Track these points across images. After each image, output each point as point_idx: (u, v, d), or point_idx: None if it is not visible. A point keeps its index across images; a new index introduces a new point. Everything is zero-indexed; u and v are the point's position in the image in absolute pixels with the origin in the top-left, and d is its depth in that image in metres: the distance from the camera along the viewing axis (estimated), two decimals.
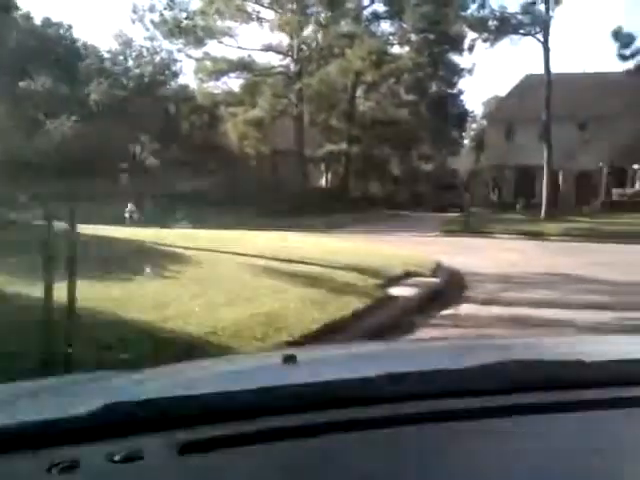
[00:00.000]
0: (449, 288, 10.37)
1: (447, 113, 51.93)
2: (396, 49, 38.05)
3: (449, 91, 54.96)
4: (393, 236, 23.84)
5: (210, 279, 8.09)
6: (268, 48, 36.70)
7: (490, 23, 28.39)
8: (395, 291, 8.90)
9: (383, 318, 7.13)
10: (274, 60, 38.85)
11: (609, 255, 17.49)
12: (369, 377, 1.14)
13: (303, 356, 1.43)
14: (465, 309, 8.62)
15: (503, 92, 44.52)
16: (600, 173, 37.29)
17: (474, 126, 64.70)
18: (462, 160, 56.40)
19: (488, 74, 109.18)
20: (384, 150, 37.04)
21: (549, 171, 31.45)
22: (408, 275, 10.43)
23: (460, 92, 56.46)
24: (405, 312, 7.79)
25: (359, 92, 40.19)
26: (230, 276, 8.36)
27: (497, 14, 28.48)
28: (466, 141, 70.53)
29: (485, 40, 28.93)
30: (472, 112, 54.82)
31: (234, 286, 7.60)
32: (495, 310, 8.43)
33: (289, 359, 1.36)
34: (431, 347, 1.98)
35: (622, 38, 27.76)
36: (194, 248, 11.00)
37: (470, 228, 26.51)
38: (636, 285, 11.00)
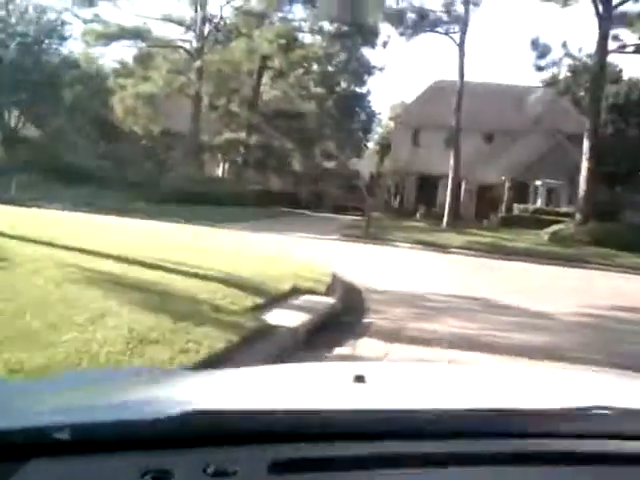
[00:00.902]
0: (346, 312, 8.19)
1: (354, 112, 50.52)
2: (308, 38, 35.85)
3: (358, 90, 53.80)
4: (289, 237, 21.72)
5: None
6: (168, 18, 33.50)
7: (408, 16, 26.85)
8: (276, 317, 6.59)
9: (248, 365, 4.80)
10: (175, 33, 35.77)
11: (518, 275, 16.04)
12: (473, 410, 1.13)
13: (370, 375, 1.36)
14: (365, 347, 6.44)
15: (412, 97, 43.35)
16: (502, 187, 36.77)
17: (379, 130, 63.89)
18: (366, 163, 55.17)
19: (398, 78, 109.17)
20: (286, 143, 34.76)
21: (454, 180, 30.33)
22: (297, 292, 8.17)
23: (369, 92, 55.45)
24: (284, 352, 5.49)
25: (265, 79, 37.76)
26: (37, 287, 5.76)
27: (416, 7, 26.97)
28: (371, 144, 69.90)
29: (402, 34, 27.32)
30: (379, 114, 53.51)
31: (30, 304, 5.02)
32: (404, 351, 6.29)
33: (359, 379, 1.32)
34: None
35: (539, 48, 26.97)
36: (16, 236, 8.24)
37: (371, 234, 24.74)
38: (569, 316, 9.35)
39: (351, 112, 46.63)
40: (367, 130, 56.36)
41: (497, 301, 10.62)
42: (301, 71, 35.24)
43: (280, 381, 1.53)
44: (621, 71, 42.31)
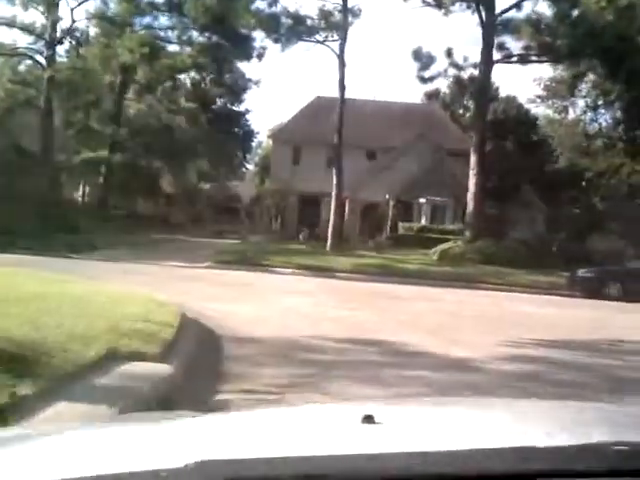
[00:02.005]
0: (189, 384, 5.42)
1: (231, 130, 47.85)
2: (176, 49, 32.78)
3: (235, 108, 51.24)
4: (153, 266, 18.79)
5: None
6: (12, 23, 29.40)
7: (283, 22, 24.63)
8: (56, 412, 3.73)
9: None
10: (23, 40, 31.63)
11: (417, 304, 13.88)
12: (498, 449, 1.09)
13: (380, 415, 1.31)
14: None
15: (292, 114, 41.28)
16: (387, 205, 35.26)
17: (259, 151, 61.53)
18: (247, 185, 52.55)
19: (277, 98, 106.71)
20: (155, 162, 31.42)
21: (338, 199, 28.23)
22: (113, 357, 5.32)
23: (247, 111, 53.04)
24: None
25: (131, 93, 34.31)
26: None
27: (290, 12, 24.81)
28: (252, 166, 67.37)
29: (276, 41, 25.00)
30: (258, 133, 51.18)
31: None
32: None
33: (368, 419, 1.28)
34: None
35: (422, 58, 25.56)
36: None
37: (248, 259, 22.03)
38: (498, 362, 7.09)
39: (227, 129, 43.91)
40: (246, 150, 53.92)
41: (403, 344, 8.25)
42: (169, 84, 32.11)
43: (287, 425, 1.45)
44: (498, 89, 42.44)
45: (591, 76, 34.19)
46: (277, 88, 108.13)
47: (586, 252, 26.20)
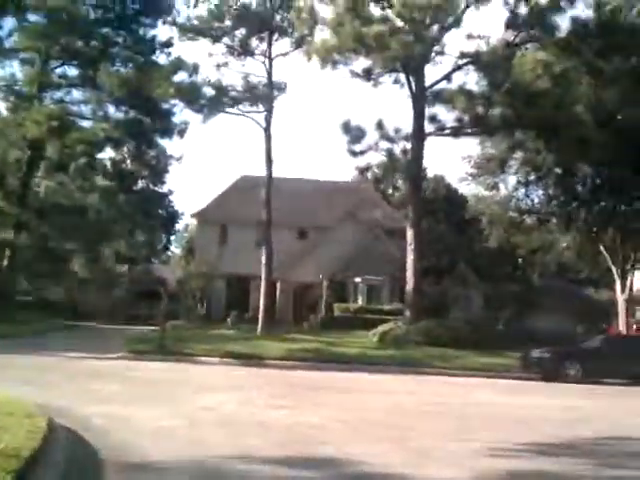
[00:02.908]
0: None
1: (154, 211, 45.50)
2: (90, 124, 30.64)
3: (157, 189, 49.06)
4: (54, 359, 16.05)
5: None
6: None
7: (204, 91, 23.05)
8: None
9: None
10: None
11: (360, 395, 11.67)
12: None
13: None
14: None
15: (217, 193, 39.37)
16: (320, 286, 33.32)
17: (186, 235, 59.13)
18: (174, 268, 49.75)
19: (203, 178, 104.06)
20: (65, 244, 28.61)
21: (268, 280, 26.04)
22: None
23: (170, 192, 51.05)
24: None
25: (41, 172, 31.71)
26: None
27: (212, 82, 23.24)
28: (178, 250, 64.61)
29: (197, 111, 23.27)
30: (182, 214, 48.97)
31: None
32: None
33: None
34: None
35: (351, 131, 24.33)
36: None
37: (166, 349, 19.38)
38: None
39: (150, 212, 41.55)
40: (170, 232, 51.48)
41: (360, 463, 6.03)
42: (83, 161, 29.77)
43: None
44: (426, 169, 42.06)
45: (520, 153, 34.09)
46: (202, 167, 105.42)
47: (531, 331, 24.80)
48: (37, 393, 9.61)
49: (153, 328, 27.69)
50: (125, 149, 32.45)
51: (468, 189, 41.59)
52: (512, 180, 37.76)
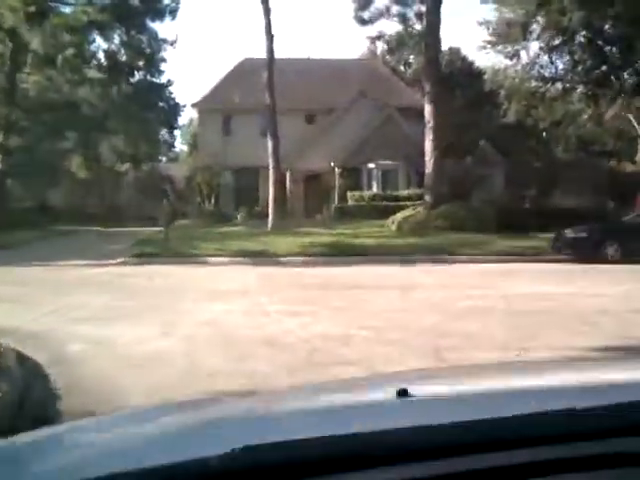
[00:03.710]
0: None
1: (154, 104, 43.08)
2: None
3: (156, 80, 46.30)
4: (47, 268, 14.80)
5: None
6: None
7: None
8: None
9: None
10: None
11: (386, 293, 10.24)
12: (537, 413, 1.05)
13: (413, 387, 1.27)
14: None
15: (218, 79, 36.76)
16: (332, 174, 31.53)
17: (191, 128, 56.74)
18: (182, 166, 47.91)
19: (205, 66, 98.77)
20: (60, 143, 26.77)
21: (276, 171, 24.26)
22: None
23: (170, 82, 48.07)
24: None
25: (28, 67, 29.37)
26: None
27: None
28: (185, 146, 62.32)
29: None
30: (184, 106, 46.43)
31: None
32: None
33: (402, 393, 1.24)
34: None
35: None
36: None
37: (172, 249, 18.06)
38: None
39: (149, 105, 39.21)
40: (173, 126, 49.20)
41: None
42: (71, 52, 27.32)
43: (322, 403, 1.46)
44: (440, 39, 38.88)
45: (543, 16, 31.10)
46: (202, 53, 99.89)
47: (559, 210, 23.10)
48: (10, 312, 8.28)
49: (158, 229, 26.44)
50: (115, 36, 29.73)
51: (486, 60, 38.77)
52: (534, 47, 34.95)
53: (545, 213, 22.70)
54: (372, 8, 21.65)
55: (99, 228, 30.01)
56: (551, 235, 18.46)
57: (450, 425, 1.04)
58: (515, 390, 1.40)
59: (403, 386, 1.26)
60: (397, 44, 22.30)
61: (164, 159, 56.81)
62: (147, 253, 17.90)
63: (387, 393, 1.28)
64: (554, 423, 1.05)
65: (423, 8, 21.68)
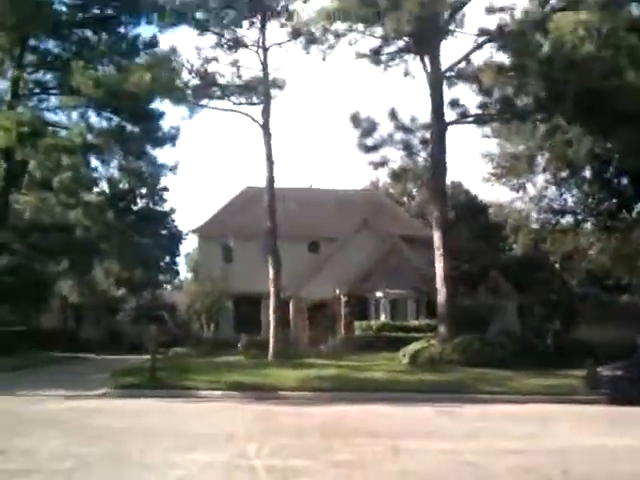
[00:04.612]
0: None
1: (156, 231, 42.56)
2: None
3: (157, 208, 46.10)
4: (15, 400, 13.00)
5: None
6: None
7: (186, 78, 19.88)
8: None
9: None
10: None
11: (411, 445, 8.35)
12: None
13: None
14: None
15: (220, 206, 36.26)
16: (338, 302, 30.01)
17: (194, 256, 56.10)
18: (186, 293, 46.65)
19: (207, 195, 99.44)
20: (50, 266, 25.56)
21: (277, 298, 22.72)
22: None
23: (172, 210, 47.98)
24: None
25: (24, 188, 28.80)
26: None
27: (196, 69, 20.03)
28: (190, 273, 61.37)
29: (179, 100, 19.95)
30: (187, 234, 45.92)
31: None
32: None
33: None
34: None
35: (362, 124, 21.25)
36: None
37: (159, 381, 16.19)
38: None
39: (147, 231, 38.53)
40: (174, 253, 48.44)
41: None
42: (68, 175, 26.68)
43: None
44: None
45: (548, 152, 30.86)
46: (204, 183, 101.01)
47: (585, 345, 21.27)
48: None
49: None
50: (114, 162, 29.29)
51: (489, 193, 38.48)
52: (540, 179, 34.57)
53: (569, 347, 20.92)
54: (375, 135, 21.03)
55: (93, 355, 28.19)
56: (579, 372, 16.72)
57: None
58: None
59: None
60: (401, 171, 21.60)
61: (169, 287, 55.71)
62: (131, 384, 16.04)
63: None
64: None
65: (427, 135, 21.12)
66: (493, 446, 8.08)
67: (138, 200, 44.00)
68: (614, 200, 30.92)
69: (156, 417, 10.82)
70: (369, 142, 21.71)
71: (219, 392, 15.37)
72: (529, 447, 8.02)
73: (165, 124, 27.72)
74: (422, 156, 21.95)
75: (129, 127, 26.76)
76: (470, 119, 22.03)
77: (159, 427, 9.58)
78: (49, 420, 10.10)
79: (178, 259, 52.00)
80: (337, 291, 29.88)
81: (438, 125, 21.29)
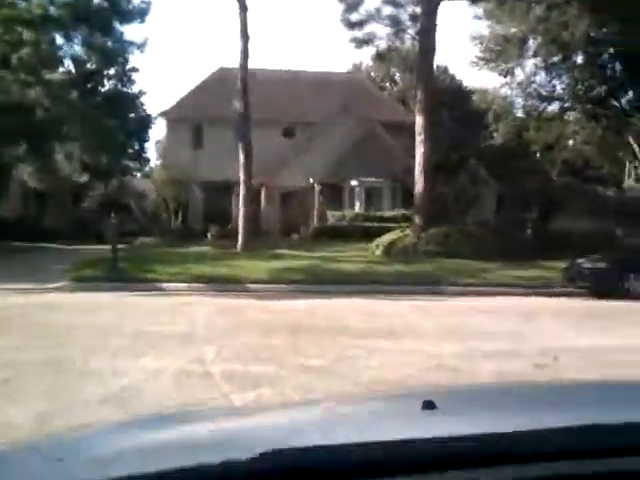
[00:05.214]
0: None
1: (124, 115, 40.41)
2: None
3: (125, 89, 43.74)
4: None
5: None
6: None
7: None
8: None
9: None
10: None
11: (378, 343, 7.65)
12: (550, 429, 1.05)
13: (439, 401, 1.28)
14: None
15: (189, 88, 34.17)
16: (311, 191, 29.04)
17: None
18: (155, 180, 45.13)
19: (179, 77, 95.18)
20: (9, 150, 23.95)
21: (247, 186, 21.64)
22: None
23: (141, 92, 45.51)
24: None
25: None
26: None
27: None
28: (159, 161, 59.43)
29: None
30: (156, 118, 43.82)
31: None
32: None
33: (428, 405, 1.24)
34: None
35: None
36: None
37: (120, 273, 15.35)
38: None
39: (117, 115, 36.53)
40: (143, 139, 46.54)
41: None
42: (27, 50, 24.59)
43: (349, 413, 1.46)
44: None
45: (541, 33, 29.11)
46: (178, 64, 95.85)
47: (564, 236, 20.79)
48: None
49: (122, 246, 23.65)
50: (80, 39, 27.06)
51: (475, 79, 36.82)
52: (529, 64, 32.99)
53: (548, 238, 20.43)
54: (361, 10, 19.26)
55: (57, 245, 27.16)
56: (559, 264, 16.24)
57: (474, 436, 1.05)
58: (541, 405, 1.38)
59: (429, 399, 1.26)
60: (387, 51, 19.91)
61: (138, 175, 53.96)
62: (90, 276, 15.20)
63: (413, 405, 1.27)
64: (577, 439, 1.04)
65: (418, 10, 19.39)
66: (473, 347, 7.40)
67: (106, 82, 41.55)
68: (604, 87, 29.65)
69: (110, 314, 10.00)
70: (354, 17, 19.92)
71: (184, 284, 14.63)
72: (514, 348, 7.36)
73: None
74: (410, 33, 20.27)
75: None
76: None
77: (111, 325, 8.76)
78: None
79: (147, 145, 50.14)
80: (311, 179, 28.84)
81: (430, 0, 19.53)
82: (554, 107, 31.11)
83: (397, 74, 45.88)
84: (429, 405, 1.24)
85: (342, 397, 2.68)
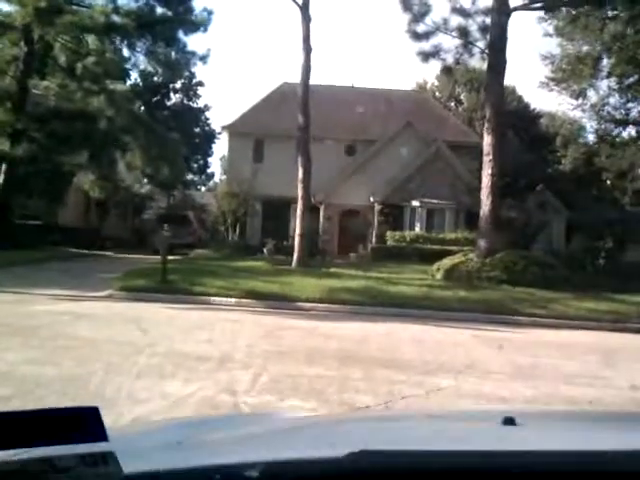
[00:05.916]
0: None
1: (189, 129, 40.65)
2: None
3: (192, 105, 44.08)
4: (15, 297, 11.80)
5: None
6: None
7: None
8: None
9: None
10: None
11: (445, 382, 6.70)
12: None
13: (519, 416, 1.31)
14: None
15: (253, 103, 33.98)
16: (371, 210, 28.17)
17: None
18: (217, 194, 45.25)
19: (243, 94, 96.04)
20: (70, 157, 24.05)
21: (305, 202, 20.92)
22: None
23: (207, 107, 45.86)
24: None
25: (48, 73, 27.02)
26: None
27: None
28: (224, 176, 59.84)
29: None
30: (220, 133, 43.97)
31: None
32: None
33: (509, 421, 1.29)
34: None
35: (413, 6, 18.62)
36: None
37: (168, 284, 14.83)
38: None
39: (185, 129, 36.64)
40: (207, 152, 46.76)
41: None
42: (92, 59, 24.77)
43: (432, 424, 1.49)
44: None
45: (616, 52, 27.64)
46: (243, 80, 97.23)
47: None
48: None
49: (177, 257, 23.32)
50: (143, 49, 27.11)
51: (543, 102, 35.36)
52: (603, 86, 31.46)
53: (621, 270, 18.98)
54: (428, 20, 18.42)
55: (113, 253, 27.17)
56: (634, 297, 14.96)
57: (551, 452, 1.07)
58: (620, 426, 1.44)
59: (510, 416, 1.27)
60: (455, 64, 18.96)
61: (203, 189, 54.36)
62: (138, 287, 14.72)
63: (494, 421, 1.29)
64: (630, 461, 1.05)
65: (488, 21, 18.42)
66: (555, 392, 6.37)
67: (172, 95, 41.96)
68: None
69: (149, 326, 9.36)
70: (420, 28, 19.11)
71: (232, 300, 13.98)
72: (599, 395, 6.30)
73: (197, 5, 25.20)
74: (479, 46, 19.29)
75: (159, 8, 24.58)
76: (538, 4, 19.11)
77: (143, 340, 8.09)
78: (21, 325, 8.71)
79: (212, 160, 50.41)
80: (371, 198, 28.01)
81: (501, 10, 18.53)
82: (629, 131, 29.38)
83: (462, 94, 44.79)
84: (510, 421, 1.26)
85: (421, 411, 2.75)
